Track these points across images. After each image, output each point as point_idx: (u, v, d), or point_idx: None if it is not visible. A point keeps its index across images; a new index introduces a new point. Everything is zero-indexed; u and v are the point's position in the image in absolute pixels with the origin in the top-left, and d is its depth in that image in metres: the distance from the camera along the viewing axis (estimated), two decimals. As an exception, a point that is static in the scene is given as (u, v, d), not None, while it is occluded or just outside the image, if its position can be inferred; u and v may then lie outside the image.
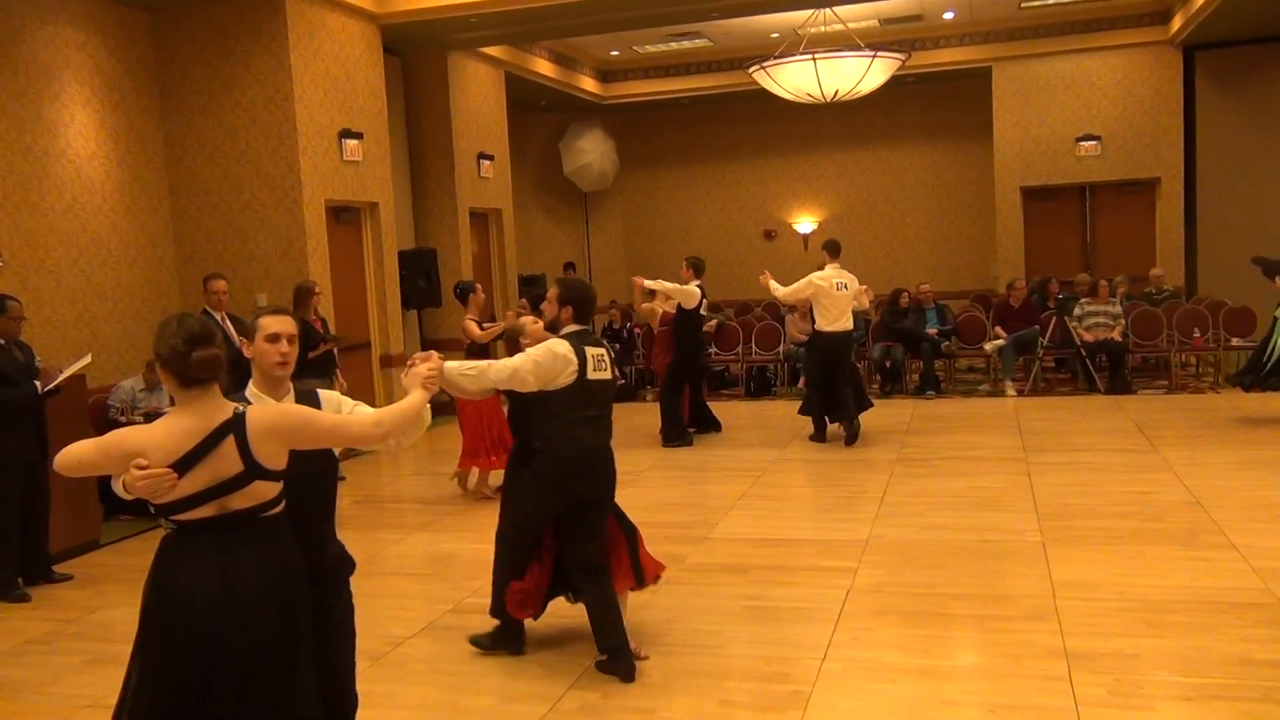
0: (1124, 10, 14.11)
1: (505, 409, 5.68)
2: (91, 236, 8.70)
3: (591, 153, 16.70)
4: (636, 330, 13.39)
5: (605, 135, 16.88)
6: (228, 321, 7.86)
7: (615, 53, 15.47)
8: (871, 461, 8.45)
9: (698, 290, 9.52)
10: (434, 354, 3.47)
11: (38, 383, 6.05)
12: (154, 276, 9.39)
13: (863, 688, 4.22)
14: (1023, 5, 13.81)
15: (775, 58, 11.30)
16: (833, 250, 9.33)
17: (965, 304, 13.60)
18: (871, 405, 9.71)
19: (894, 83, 12.39)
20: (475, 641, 4.76)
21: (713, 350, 12.52)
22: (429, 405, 3.18)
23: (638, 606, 4.88)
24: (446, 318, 11.86)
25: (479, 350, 7.63)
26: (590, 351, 4.40)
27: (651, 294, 9.80)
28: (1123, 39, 14.30)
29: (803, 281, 9.25)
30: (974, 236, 16.30)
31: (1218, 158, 14.21)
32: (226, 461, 2.73)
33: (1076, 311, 11.54)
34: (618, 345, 12.83)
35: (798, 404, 9.85)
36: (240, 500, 2.77)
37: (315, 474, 3.16)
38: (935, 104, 16.28)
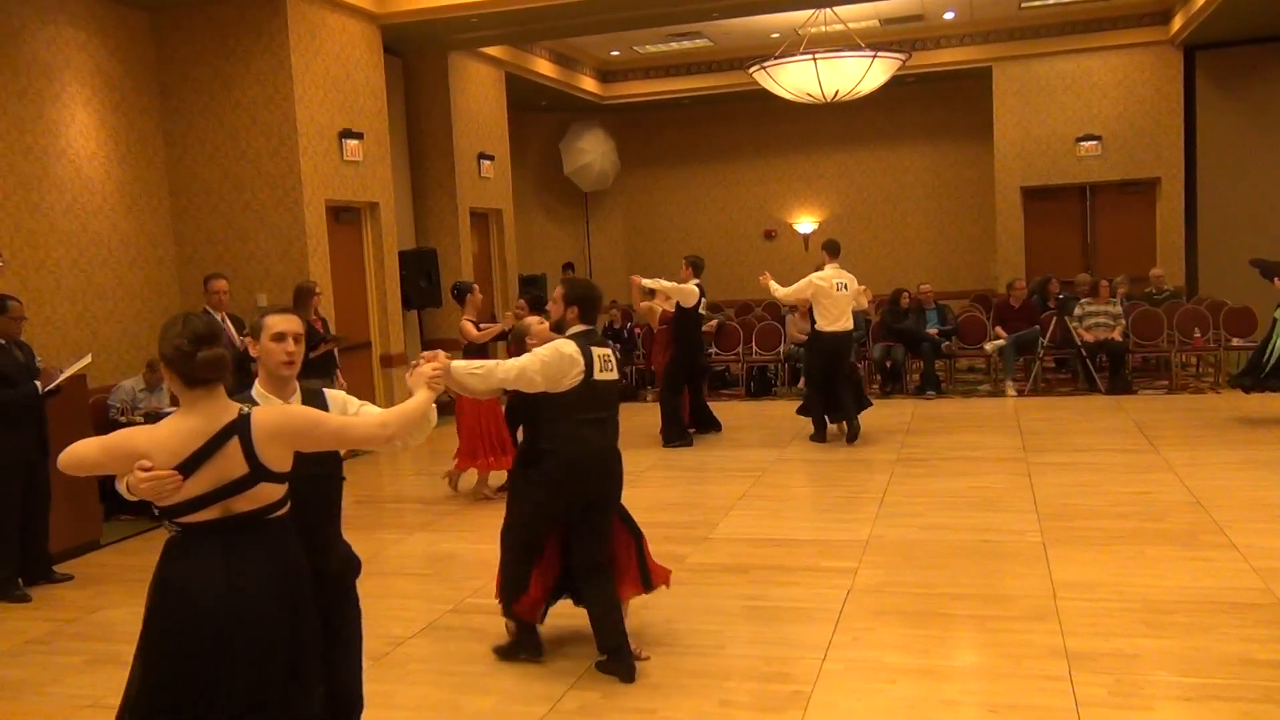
0: (1124, 10, 14.11)
1: (503, 407, 5.67)
2: (92, 236, 8.70)
3: (592, 153, 16.71)
4: (637, 330, 13.39)
5: (606, 135, 16.89)
6: (228, 321, 7.88)
7: (615, 53, 15.48)
8: (872, 461, 8.45)
9: (696, 289, 9.52)
10: (440, 353, 3.45)
11: (38, 383, 6.05)
12: (154, 276, 9.40)
13: (863, 688, 4.22)
14: (1023, 5, 13.81)
15: (776, 58, 11.30)
16: (832, 250, 9.34)
17: (966, 304, 13.59)
18: (870, 404, 9.71)
19: (894, 83, 12.39)
20: (498, 651, 4.68)
21: (713, 350, 12.53)
22: (434, 405, 3.17)
23: (638, 607, 4.88)
24: (447, 318, 11.86)
25: (476, 351, 7.63)
26: (597, 352, 4.39)
27: (651, 293, 9.81)
28: (1123, 39, 14.30)
29: (803, 282, 9.25)
30: (974, 236, 16.30)
31: (1218, 158, 14.21)
32: (231, 463, 2.71)
33: (1077, 311, 11.54)
34: (618, 345, 12.83)
35: (798, 404, 9.85)
36: (245, 503, 2.74)
37: (320, 475, 3.14)
38: (936, 104, 16.28)
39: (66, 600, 5.98)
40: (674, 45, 15.11)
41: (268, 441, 2.74)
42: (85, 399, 7.11)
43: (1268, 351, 8.77)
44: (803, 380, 10.73)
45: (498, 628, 4.91)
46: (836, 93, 11.34)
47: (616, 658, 4.38)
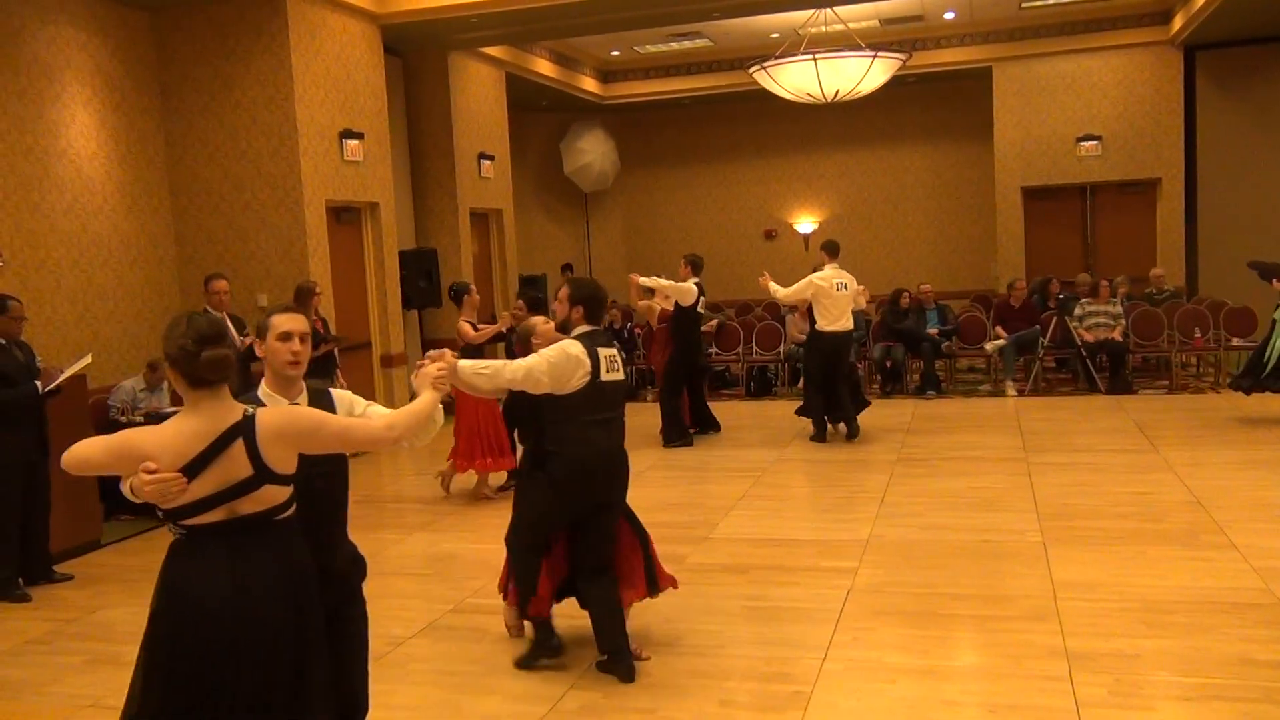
0: (1124, 10, 14.10)
1: (500, 407, 5.64)
2: (92, 236, 8.70)
3: (592, 153, 16.71)
4: (638, 330, 13.39)
5: (606, 135, 16.89)
6: (228, 322, 7.87)
7: (616, 53, 15.48)
8: (872, 461, 8.45)
9: (694, 287, 9.52)
10: (446, 352, 3.43)
11: (38, 383, 6.05)
12: (155, 277, 9.40)
13: (863, 688, 4.22)
14: (1023, 5, 13.81)
15: (776, 58, 11.30)
16: (831, 251, 9.34)
17: (966, 304, 13.59)
18: (868, 405, 9.71)
19: (895, 83, 12.38)
20: (520, 664, 4.57)
21: (713, 350, 12.53)
22: (440, 406, 3.14)
23: (638, 608, 4.87)
24: (447, 318, 11.84)
25: (474, 352, 7.63)
26: (603, 353, 4.38)
27: (649, 291, 9.81)
28: (1123, 39, 14.30)
29: (803, 282, 9.26)
30: (975, 236, 16.30)
31: (1218, 158, 14.21)
32: (236, 465, 2.68)
33: (1077, 311, 11.54)
34: (618, 345, 12.81)
35: (798, 404, 9.85)
36: (250, 504, 2.72)
37: (326, 475, 3.13)
38: (936, 104, 16.28)
39: (66, 600, 5.98)
40: (674, 45, 15.11)
41: (272, 443, 2.72)
42: (85, 399, 7.11)
43: (1268, 352, 8.77)
44: (802, 381, 10.73)
45: (498, 628, 4.92)
46: (837, 93, 11.34)
47: (616, 658, 4.38)
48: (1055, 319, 11.77)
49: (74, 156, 8.55)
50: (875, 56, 11.03)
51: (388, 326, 10.88)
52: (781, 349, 12.47)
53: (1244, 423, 9.10)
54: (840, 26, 11.82)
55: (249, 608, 2.69)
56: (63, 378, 6.21)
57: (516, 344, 5.22)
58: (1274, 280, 8.97)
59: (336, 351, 8.71)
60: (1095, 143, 14.59)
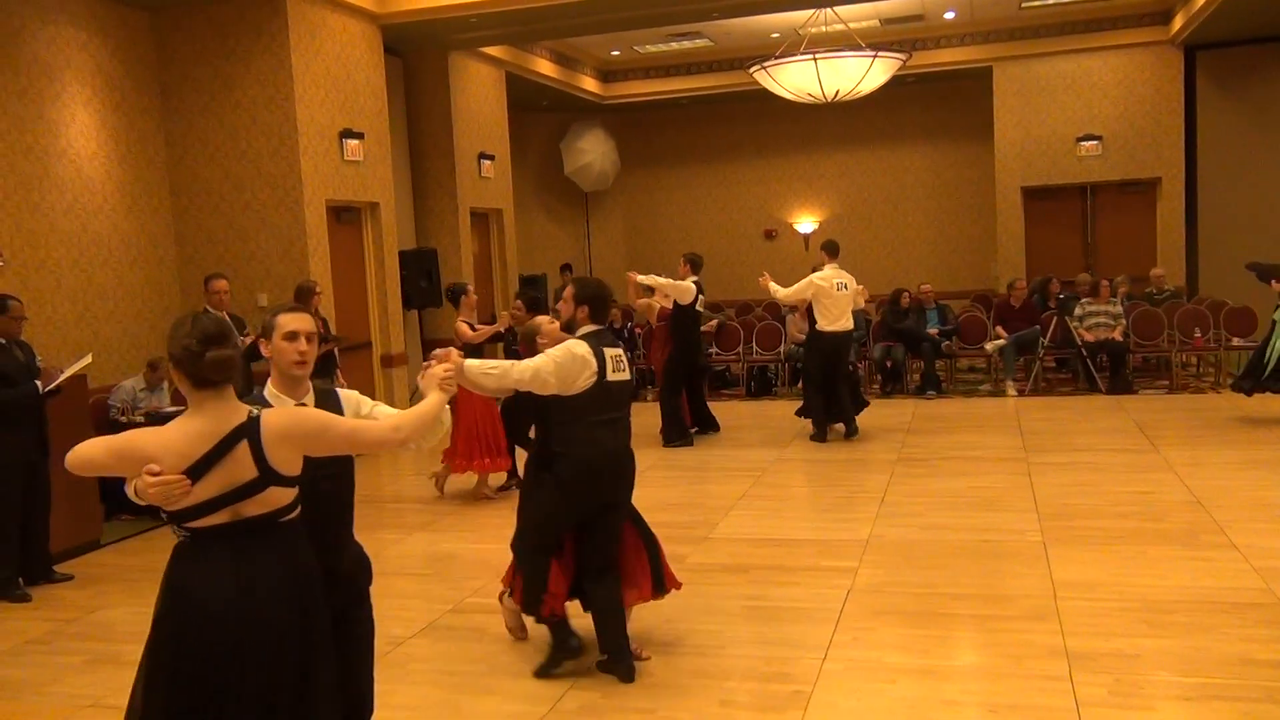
0: (1125, 10, 14.11)
1: (499, 407, 5.62)
2: (92, 236, 8.70)
3: (592, 153, 16.71)
4: (638, 330, 13.38)
5: (606, 135, 16.89)
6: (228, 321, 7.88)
7: (616, 53, 15.48)
8: (872, 461, 8.45)
9: (693, 286, 9.51)
10: (453, 352, 3.42)
11: (38, 383, 6.05)
12: (155, 276, 9.40)
13: (863, 688, 4.22)
14: (1023, 5, 13.81)
15: (776, 58, 11.30)
16: (831, 251, 9.35)
17: (966, 304, 13.59)
18: (867, 405, 9.72)
19: (895, 83, 12.38)
20: (539, 673, 4.49)
21: (713, 350, 12.52)
22: (447, 408, 3.12)
23: (640, 608, 4.87)
24: (447, 318, 11.81)
25: (472, 352, 7.62)
26: (609, 353, 4.36)
27: (649, 290, 9.81)
28: (1123, 39, 14.30)
29: (803, 283, 9.26)
30: (975, 236, 16.30)
31: (1218, 158, 14.21)
32: (240, 467, 2.66)
33: (1077, 311, 11.53)
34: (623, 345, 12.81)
35: (798, 404, 9.85)
36: (254, 507, 2.69)
37: (332, 477, 3.10)
38: (936, 104, 16.28)
39: (67, 600, 5.97)
40: (674, 45, 15.11)
41: (277, 445, 2.69)
42: (85, 399, 7.11)
43: (1268, 353, 8.76)
44: (802, 381, 10.72)
45: (498, 628, 4.92)
46: (837, 93, 11.34)
47: (617, 658, 4.37)
48: (1055, 319, 11.77)
49: (74, 156, 8.55)
50: (875, 56, 11.04)
51: (388, 326, 10.88)
52: (781, 349, 12.47)
53: (1244, 422, 9.10)
54: (840, 26, 11.82)
55: (253, 610, 2.67)
56: (63, 378, 6.21)
57: (520, 344, 5.21)
58: (1273, 281, 8.97)
59: (336, 351, 8.71)
60: (1095, 142, 14.59)
